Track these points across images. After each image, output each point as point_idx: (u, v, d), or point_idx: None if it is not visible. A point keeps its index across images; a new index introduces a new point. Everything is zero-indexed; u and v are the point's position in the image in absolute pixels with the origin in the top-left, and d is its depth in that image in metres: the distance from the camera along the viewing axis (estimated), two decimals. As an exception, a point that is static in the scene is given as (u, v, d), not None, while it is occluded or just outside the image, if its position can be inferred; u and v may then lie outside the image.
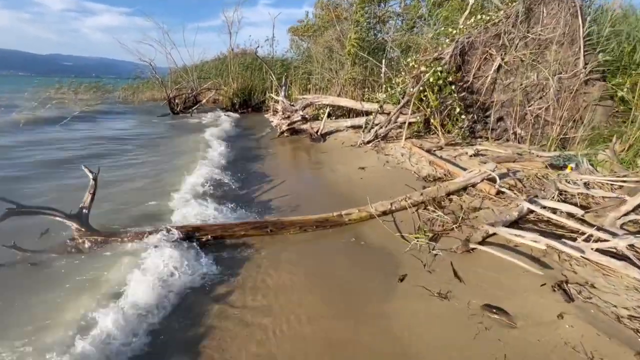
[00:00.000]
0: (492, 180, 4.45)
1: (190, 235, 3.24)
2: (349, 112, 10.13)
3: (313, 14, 14.83)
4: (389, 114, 8.83)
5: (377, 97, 8.91)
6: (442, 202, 3.98)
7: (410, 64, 7.72)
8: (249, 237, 3.42)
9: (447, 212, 3.73)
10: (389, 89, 8.81)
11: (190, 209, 3.88)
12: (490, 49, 7.42)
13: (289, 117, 9.06)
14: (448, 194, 4.13)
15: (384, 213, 3.82)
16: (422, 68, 7.45)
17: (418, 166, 5.40)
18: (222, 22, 15.29)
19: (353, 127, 9.19)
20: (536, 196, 3.64)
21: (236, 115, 13.53)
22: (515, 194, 4.08)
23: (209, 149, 7.19)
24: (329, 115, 9.53)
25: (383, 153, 6.31)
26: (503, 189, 4.11)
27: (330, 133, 8.67)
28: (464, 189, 4.28)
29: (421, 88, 7.30)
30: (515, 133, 7.34)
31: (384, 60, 8.59)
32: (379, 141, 7.17)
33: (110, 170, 5.35)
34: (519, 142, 7.27)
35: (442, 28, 8.59)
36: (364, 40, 9.56)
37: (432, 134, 8.04)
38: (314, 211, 4.02)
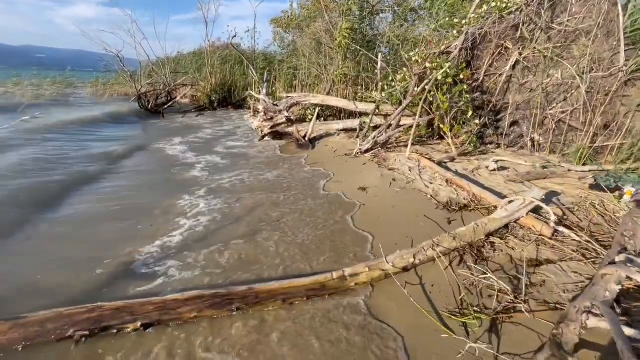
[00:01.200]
0: (535, 210, 3.33)
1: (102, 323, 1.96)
2: (339, 113, 8.91)
3: (298, 4, 13.46)
4: (386, 116, 7.66)
5: (372, 97, 7.71)
6: (483, 249, 2.82)
7: (414, 59, 6.53)
8: (203, 318, 2.17)
9: (496, 269, 2.57)
10: (386, 87, 7.64)
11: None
12: (505, 42, 6.31)
13: (271, 118, 7.76)
14: (488, 236, 2.97)
15: (405, 269, 2.62)
16: (428, 64, 6.28)
17: (433, 186, 4.23)
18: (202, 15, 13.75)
19: (345, 130, 7.98)
20: (625, 248, 2.53)
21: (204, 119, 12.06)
22: (576, 234, 2.96)
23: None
24: (318, 117, 8.28)
25: (386, 166, 5.11)
26: (561, 229, 2.98)
27: (320, 138, 7.43)
28: (506, 226, 3.13)
29: (427, 87, 6.15)
30: (532, 140, 6.28)
31: (379, 55, 7.39)
32: (379, 150, 5.98)
33: None
34: (536, 151, 6.22)
35: (446, 18, 7.43)
36: (357, 32, 8.33)
37: (436, 140, 6.91)
38: (302, 261, 2.78)
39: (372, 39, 9.09)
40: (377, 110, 7.46)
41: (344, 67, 8.28)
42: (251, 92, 8.10)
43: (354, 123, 7.92)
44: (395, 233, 3.26)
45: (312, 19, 11.34)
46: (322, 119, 8.32)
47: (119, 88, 15.17)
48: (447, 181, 4.40)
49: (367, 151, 5.91)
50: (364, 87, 8.59)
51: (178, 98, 12.84)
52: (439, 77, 5.87)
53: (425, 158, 5.37)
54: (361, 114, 8.26)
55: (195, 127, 9.34)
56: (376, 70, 8.50)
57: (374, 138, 6.07)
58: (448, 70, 5.84)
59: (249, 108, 12.10)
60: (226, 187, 4.77)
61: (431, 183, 4.36)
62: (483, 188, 4.06)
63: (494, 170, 4.86)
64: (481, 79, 6.64)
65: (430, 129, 7.06)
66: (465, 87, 5.85)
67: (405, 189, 4.20)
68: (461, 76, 5.92)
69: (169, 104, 12.89)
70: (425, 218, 3.48)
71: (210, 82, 13.54)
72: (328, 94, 8.89)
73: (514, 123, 6.53)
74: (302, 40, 10.69)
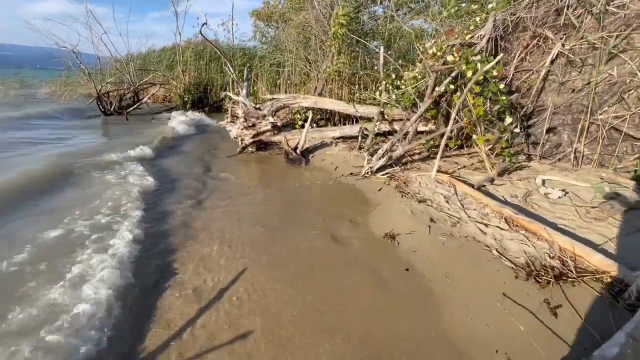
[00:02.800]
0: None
1: None
2: (332, 117, 7.46)
3: (281, -6, 11.86)
4: (391, 121, 6.28)
5: (375, 98, 6.31)
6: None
7: (430, 52, 5.16)
8: None
9: None
10: (390, 87, 6.26)
11: None
12: (544, 30, 5.04)
13: (253, 125, 6.22)
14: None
15: None
16: (449, 58, 4.93)
17: (493, 233, 2.86)
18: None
19: (343, 138, 6.54)
20: None
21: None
22: None
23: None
24: (306, 122, 6.82)
25: (410, 194, 3.72)
26: None
27: (314, 149, 5.96)
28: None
29: (451, 87, 4.82)
30: (575, 151, 5.05)
31: (381, 48, 6.00)
32: (394, 168, 4.59)
33: None
34: (580, 164, 5.00)
35: (462, 4, 6.11)
36: (354, 21, 6.89)
37: (453, 150, 5.58)
38: None
39: (370, 31, 7.71)
40: (382, 116, 6.08)
41: (339, 63, 6.87)
42: (228, 92, 6.56)
43: (353, 130, 6.50)
44: (471, 345, 1.86)
45: (298, 9, 9.80)
46: (314, 124, 6.87)
47: (79, 88, 13.13)
48: (506, 220, 3.06)
49: (379, 170, 4.50)
50: (361, 87, 7.22)
51: (145, 99, 11.04)
52: (468, 74, 4.53)
53: (459, 180, 4.03)
54: (361, 118, 6.86)
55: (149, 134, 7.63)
56: (376, 67, 7.11)
57: (385, 152, 4.67)
58: (479, 66, 4.51)
59: (227, 110, 10.48)
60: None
61: (486, 225, 2.99)
62: (562, 232, 2.73)
63: (558, 198, 3.56)
64: (510, 76, 5.36)
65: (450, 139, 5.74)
66: (502, 86, 4.53)
67: (454, 237, 2.81)
68: (494, 72, 4.60)
69: (135, 106, 11.06)
70: (508, 303, 2.10)
71: (182, 80, 11.77)
72: (320, 94, 7.45)
73: (550, 130, 5.28)
74: (288, 33, 9.16)
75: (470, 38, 5.10)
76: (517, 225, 2.97)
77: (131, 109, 10.91)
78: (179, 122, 8.90)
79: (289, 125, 7.51)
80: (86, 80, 11.37)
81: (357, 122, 7.18)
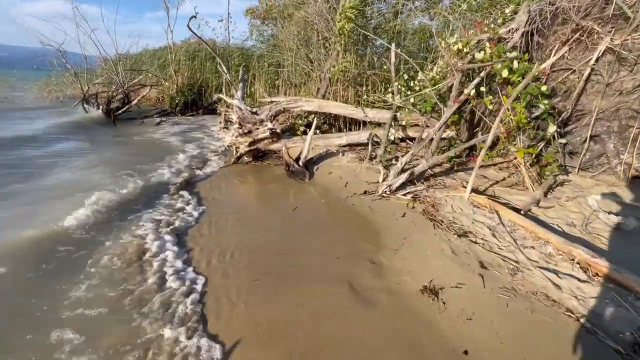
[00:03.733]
0: None
1: None
2: (335, 121, 6.67)
3: (279, -10, 11.06)
4: (404, 127, 5.51)
5: (386, 100, 5.54)
6: None
7: (455, 48, 4.39)
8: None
9: None
10: (402, 89, 5.51)
11: None
12: (588, 22, 4.28)
13: (249, 132, 5.43)
14: None
15: None
16: (478, 55, 4.16)
17: (568, 286, 2.10)
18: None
19: (350, 146, 5.77)
20: None
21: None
22: None
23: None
24: (309, 127, 6.04)
25: (444, 223, 2.94)
26: None
27: (318, 159, 5.17)
28: None
29: (482, 89, 4.07)
30: (623, 162, 4.30)
31: (392, 45, 5.22)
32: (417, 186, 3.80)
33: None
34: (629, 178, 4.25)
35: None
36: (363, 15, 6.12)
37: (467, 158, 4.81)
38: None
39: (378, 27, 6.93)
40: (394, 122, 5.31)
41: (345, 62, 6.09)
42: (221, 95, 5.78)
43: (361, 136, 5.72)
44: None
45: (298, 5, 9.01)
46: (318, 130, 6.08)
47: (67, 89, 12.26)
48: (580, 265, 2.29)
49: (399, 188, 3.71)
50: (369, 88, 6.46)
51: (135, 101, 10.20)
52: (503, 74, 3.77)
53: (499, 203, 3.25)
54: (370, 123, 6.08)
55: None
56: (385, 66, 6.34)
57: (404, 166, 3.89)
58: (517, 64, 3.74)
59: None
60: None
61: (555, 272, 2.22)
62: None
63: (634, 229, 2.79)
64: (546, 75, 4.60)
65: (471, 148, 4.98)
66: (544, 88, 3.76)
67: (519, 295, 2.03)
68: (533, 72, 3.82)
69: (125, 109, 10.23)
70: None
71: (175, 81, 10.95)
72: (323, 96, 6.68)
73: (592, 137, 4.52)
74: (288, 30, 8.36)
75: (498, 32, 4.34)
76: (597, 274, 2.20)
77: (120, 111, 10.07)
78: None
79: (289, 131, 6.73)
80: (72, 81, 10.52)
81: (364, 125, 6.42)
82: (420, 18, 7.89)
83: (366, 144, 5.87)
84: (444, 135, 5.16)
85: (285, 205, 3.85)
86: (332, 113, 5.85)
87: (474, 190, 3.59)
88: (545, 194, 3.60)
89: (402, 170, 3.86)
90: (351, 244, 2.85)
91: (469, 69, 4.31)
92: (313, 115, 6.03)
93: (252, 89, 10.76)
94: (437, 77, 4.82)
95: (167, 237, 2.96)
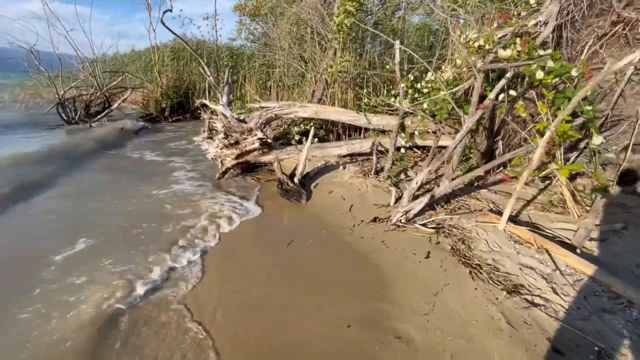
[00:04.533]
0: None
1: None
2: (333, 125, 5.95)
3: (270, -15, 10.27)
4: (412, 134, 4.85)
5: (392, 104, 4.86)
6: None
7: (476, 45, 3.71)
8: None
9: None
10: (410, 91, 4.86)
11: None
12: (631, 13, 3.63)
13: (237, 142, 4.69)
14: None
15: None
16: (503, 52, 3.49)
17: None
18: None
19: (351, 156, 5.09)
20: None
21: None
22: None
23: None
24: (305, 135, 5.32)
25: (483, 269, 2.26)
26: None
27: (316, 173, 4.46)
28: None
29: (512, 93, 3.41)
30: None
31: (397, 43, 4.53)
32: (438, 212, 3.11)
33: None
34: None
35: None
36: (363, 9, 5.41)
37: (487, 171, 4.16)
38: None
39: (378, 21, 6.23)
40: (401, 129, 4.64)
41: (344, 62, 5.39)
42: (205, 100, 5.02)
43: (363, 145, 5.03)
44: None
45: (289, 1, 8.25)
46: (315, 138, 5.36)
47: (44, 92, 11.34)
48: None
49: (415, 217, 3.02)
50: (370, 90, 5.76)
51: (115, 106, 9.36)
52: (538, 75, 3.09)
53: (543, 236, 2.59)
54: (373, 130, 5.38)
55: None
56: (389, 66, 5.65)
57: (419, 186, 3.20)
58: (551, 63, 3.07)
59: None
60: None
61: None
62: None
63: None
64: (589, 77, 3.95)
65: (487, 156, 4.33)
66: (589, 89, 3.10)
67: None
68: (572, 73, 3.16)
69: (105, 113, 9.38)
70: None
71: (159, 84, 10.12)
72: (320, 100, 5.97)
73: (625, 148, 3.90)
74: (280, 27, 7.61)
75: (527, 26, 3.66)
76: None
77: (99, 117, 9.24)
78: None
79: (282, 138, 6.00)
80: (47, 85, 9.64)
81: (366, 132, 5.72)
82: (420, 15, 7.22)
83: (369, 154, 5.18)
84: (447, 142, 4.50)
85: (278, 237, 3.13)
86: (333, 120, 5.13)
87: (515, 222, 2.92)
88: (596, 221, 2.94)
89: (418, 193, 3.17)
90: (365, 301, 2.15)
91: (492, 69, 3.64)
92: (310, 123, 5.31)
93: (242, 91, 10.01)
94: (452, 78, 4.13)
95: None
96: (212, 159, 4.79)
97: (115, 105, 9.44)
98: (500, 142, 4.34)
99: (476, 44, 3.74)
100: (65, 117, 9.15)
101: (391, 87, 5.73)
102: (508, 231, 2.68)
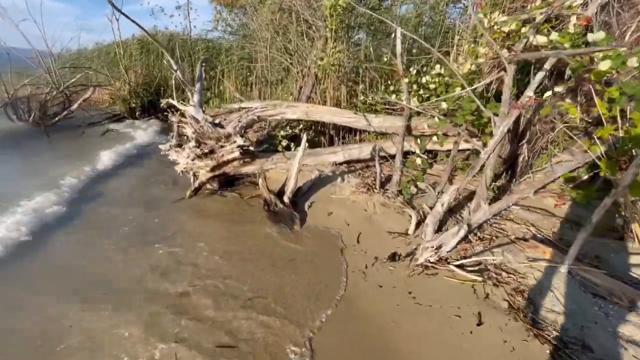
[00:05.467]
0: None
1: None
2: (324, 126, 5.13)
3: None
4: (418, 137, 4.12)
5: (398, 102, 4.09)
6: None
7: (506, 29, 2.97)
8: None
9: None
10: (414, 86, 4.13)
11: None
12: (690, -10, 2.99)
13: (212, 152, 3.81)
14: None
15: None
16: (541, 39, 2.78)
17: None
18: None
19: (349, 162, 4.31)
20: None
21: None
22: None
23: None
24: (293, 139, 4.49)
25: (572, 351, 1.54)
26: None
27: (310, 189, 3.64)
28: None
29: (558, 89, 2.70)
30: None
31: (398, 30, 3.76)
32: (475, 247, 2.38)
33: None
34: None
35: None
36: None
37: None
38: None
39: (376, 6, 5.43)
40: (407, 132, 3.90)
41: (336, 53, 4.57)
42: (172, 100, 4.11)
43: (362, 150, 4.24)
44: None
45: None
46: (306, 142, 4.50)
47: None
48: None
49: (448, 255, 2.28)
50: (367, 86, 4.98)
51: (75, 106, 8.21)
52: (603, 67, 2.38)
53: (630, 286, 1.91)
54: (375, 134, 4.61)
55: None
56: (386, 57, 4.87)
57: (445, 208, 2.45)
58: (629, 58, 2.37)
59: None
60: None
61: None
62: None
63: None
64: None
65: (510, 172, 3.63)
66: (661, 86, 2.42)
67: None
68: (633, 63, 2.47)
69: (64, 114, 8.19)
70: None
71: (127, 80, 8.97)
72: (309, 98, 5.14)
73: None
74: (261, 16, 6.67)
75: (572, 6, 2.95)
76: None
77: (57, 118, 8.07)
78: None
79: (267, 141, 5.14)
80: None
81: (361, 133, 4.94)
82: (407, 4, 6.46)
83: (369, 159, 4.42)
84: (468, 146, 3.80)
85: (262, 286, 2.31)
86: (323, 121, 4.32)
87: (547, 242, 2.22)
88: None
89: (442, 222, 2.43)
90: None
91: (527, 59, 2.92)
92: (299, 126, 4.49)
93: (220, 88, 9.03)
94: (468, 71, 3.40)
95: None
96: (181, 172, 3.89)
97: (75, 105, 8.27)
98: (525, 147, 3.66)
99: (504, 29, 3.01)
100: (18, 118, 7.94)
101: (389, 82, 4.96)
102: (577, 275, 1.98)
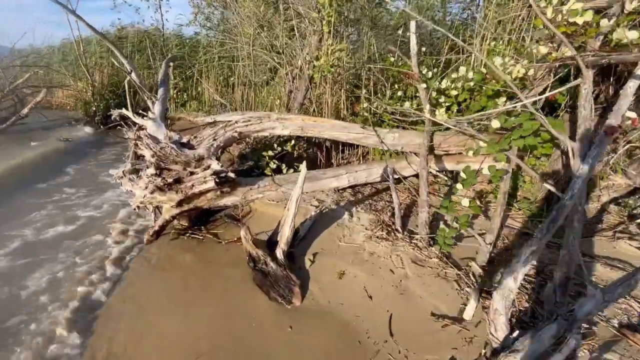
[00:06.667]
0: None
1: None
2: (316, 139, 4.19)
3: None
4: (443, 156, 3.27)
5: (410, 109, 3.20)
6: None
7: (580, 20, 2.13)
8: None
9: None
10: (437, 91, 3.29)
11: None
12: None
13: (178, 181, 2.82)
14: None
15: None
16: (633, 34, 1.94)
17: None
18: None
19: (354, 187, 3.42)
20: None
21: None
22: None
23: None
24: (283, 159, 3.54)
25: None
26: None
27: (311, 233, 2.72)
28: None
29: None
30: None
31: (413, 24, 2.90)
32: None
33: None
34: None
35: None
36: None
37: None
38: None
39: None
40: (428, 150, 3.05)
41: (337, 51, 3.62)
42: (125, 111, 3.08)
43: (371, 172, 3.34)
44: None
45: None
46: (295, 164, 3.53)
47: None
48: None
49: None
50: (372, 91, 4.07)
51: (25, 111, 6.93)
52: None
53: None
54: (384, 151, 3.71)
55: None
56: (392, 57, 3.97)
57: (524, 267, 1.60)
58: None
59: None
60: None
61: None
62: None
63: None
64: None
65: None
66: None
67: None
68: None
69: (13, 121, 6.91)
70: None
71: (90, 82, 7.74)
72: (302, 105, 4.17)
73: None
74: (244, 9, 5.63)
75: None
76: None
77: (5, 125, 6.80)
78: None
79: (251, 157, 4.17)
80: None
81: (356, 147, 4.04)
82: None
83: (381, 183, 3.54)
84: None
85: None
86: (324, 137, 3.38)
87: None
88: None
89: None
90: None
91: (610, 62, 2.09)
92: (291, 142, 3.53)
93: (198, 89, 7.94)
94: (520, 74, 2.55)
95: None
96: (137, 208, 2.88)
97: (26, 110, 7.00)
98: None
99: (576, 20, 2.16)
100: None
101: (397, 86, 4.08)
102: None
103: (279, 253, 2.27)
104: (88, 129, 7.39)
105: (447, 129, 2.96)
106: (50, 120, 7.87)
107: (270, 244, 2.42)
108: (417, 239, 2.44)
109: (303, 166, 2.34)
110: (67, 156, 5.59)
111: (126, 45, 8.31)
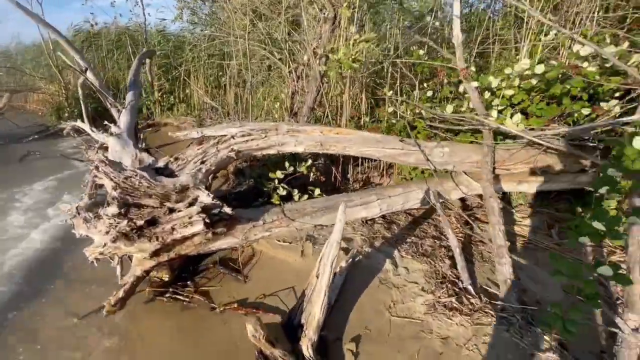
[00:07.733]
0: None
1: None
2: (329, 154, 3.35)
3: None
4: (498, 175, 2.44)
5: (470, 116, 2.39)
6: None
7: None
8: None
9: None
10: (488, 93, 2.46)
11: None
12: None
13: (153, 221, 1.97)
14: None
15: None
16: None
17: None
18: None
19: (385, 217, 2.58)
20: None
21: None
22: None
23: None
24: (291, 185, 2.70)
25: None
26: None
27: (341, 296, 1.90)
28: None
29: None
30: None
31: (456, 2, 2.10)
32: None
33: None
34: None
35: None
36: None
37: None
38: None
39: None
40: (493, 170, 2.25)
41: (362, 41, 2.79)
42: (80, 123, 2.22)
43: (409, 197, 2.53)
44: None
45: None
46: (301, 196, 2.67)
47: None
48: None
49: None
50: (399, 92, 3.26)
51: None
52: None
53: None
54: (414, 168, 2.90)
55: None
56: (421, 50, 3.15)
57: None
58: None
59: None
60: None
61: None
62: None
63: None
64: None
65: None
66: None
67: None
68: None
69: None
70: None
71: (63, 84, 6.76)
72: (312, 110, 3.33)
73: None
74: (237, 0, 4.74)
75: None
76: None
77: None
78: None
79: (250, 174, 3.32)
80: None
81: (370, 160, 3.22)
82: None
83: (422, 209, 2.75)
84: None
85: None
86: (350, 155, 2.54)
87: None
88: None
89: None
90: None
91: None
92: (308, 158, 2.70)
93: (187, 91, 7.03)
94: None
95: None
96: (95, 260, 2.00)
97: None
98: None
99: None
100: None
101: (425, 84, 3.28)
102: None
103: (306, 347, 1.44)
104: (59, 137, 6.39)
105: (512, 139, 2.16)
106: (19, 127, 6.86)
107: (289, 327, 1.58)
108: (507, 311, 1.63)
109: (341, 208, 1.51)
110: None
111: (100, 42, 7.33)
